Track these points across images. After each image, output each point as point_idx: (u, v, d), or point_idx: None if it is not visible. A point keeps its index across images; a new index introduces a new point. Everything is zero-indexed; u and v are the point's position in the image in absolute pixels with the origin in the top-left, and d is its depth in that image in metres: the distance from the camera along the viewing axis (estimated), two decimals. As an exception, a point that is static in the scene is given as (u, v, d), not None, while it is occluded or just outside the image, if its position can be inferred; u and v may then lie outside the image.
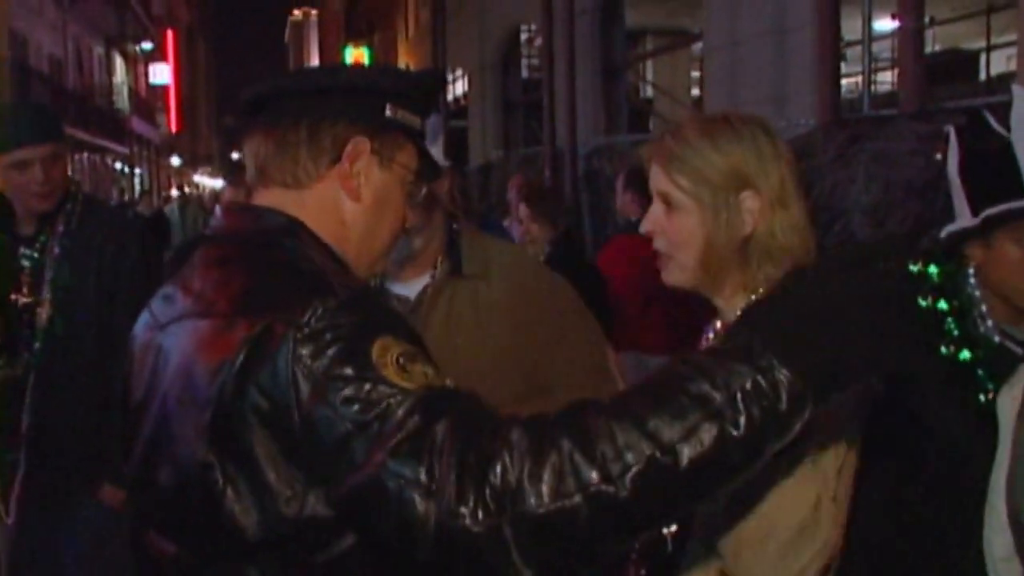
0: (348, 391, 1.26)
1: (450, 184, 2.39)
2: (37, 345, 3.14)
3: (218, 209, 1.61)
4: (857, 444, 1.68)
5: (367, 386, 1.26)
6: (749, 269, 1.71)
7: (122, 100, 40.67)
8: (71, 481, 3.15)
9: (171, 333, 1.47)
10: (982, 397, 1.76)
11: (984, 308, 1.80)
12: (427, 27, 21.29)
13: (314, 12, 56.39)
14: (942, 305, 1.81)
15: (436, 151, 2.26)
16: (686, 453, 1.15)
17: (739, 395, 1.16)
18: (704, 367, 1.20)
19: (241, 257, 1.49)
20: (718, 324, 1.83)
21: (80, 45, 34.69)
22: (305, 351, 1.29)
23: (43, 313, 3.14)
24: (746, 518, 1.60)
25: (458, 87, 21.49)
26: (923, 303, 1.80)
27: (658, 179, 1.76)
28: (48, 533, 3.16)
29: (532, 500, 1.15)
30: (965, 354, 1.79)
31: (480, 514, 1.16)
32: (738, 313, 1.71)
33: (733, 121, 1.74)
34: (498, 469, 1.17)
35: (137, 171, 42.69)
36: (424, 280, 2.40)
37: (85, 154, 29.22)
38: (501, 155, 16.83)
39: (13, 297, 3.14)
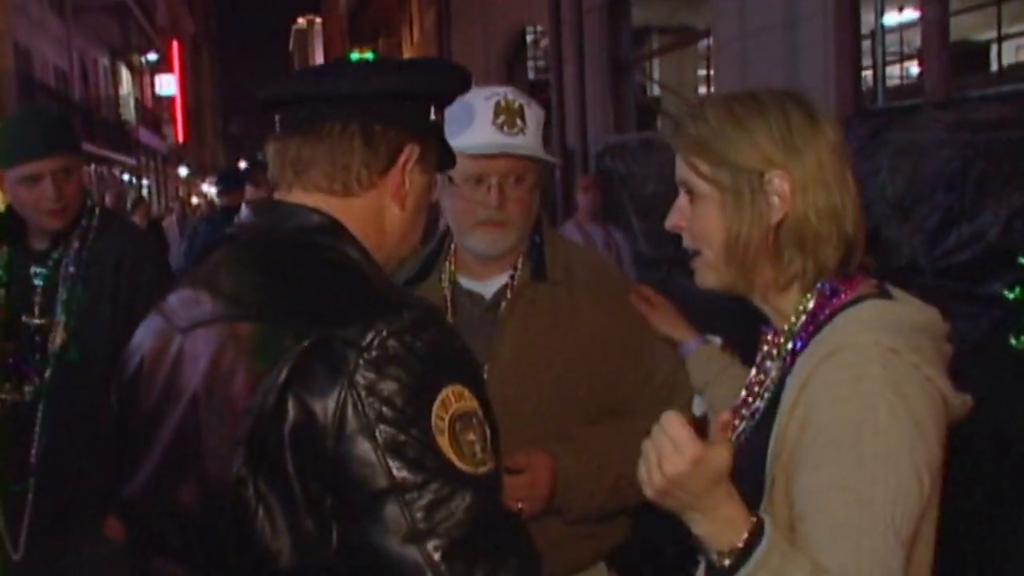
0: (397, 440, 1.20)
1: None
2: (48, 372, 2.92)
3: (244, 207, 1.51)
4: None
5: (418, 447, 1.21)
6: (781, 262, 1.55)
7: (128, 111, 40.71)
8: (79, 516, 2.91)
9: (198, 337, 1.37)
10: None
11: None
12: (432, 31, 21.22)
13: (318, 20, 56.33)
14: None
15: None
16: None
17: None
18: None
19: (280, 258, 1.40)
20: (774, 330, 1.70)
21: (85, 57, 34.71)
22: (363, 380, 1.21)
23: (56, 337, 2.92)
24: None
25: (463, 91, 21.38)
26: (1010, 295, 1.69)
27: (679, 167, 1.61)
28: (54, 570, 2.96)
29: None
30: None
31: None
32: (791, 317, 1.61)
33: (761, 96, 1.57)
34: None
35: (145, 182, 42.71)
36: (502, 280, 2.28)
37: (92, 166, 29.18)
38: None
39: (23, 319, 2.93)
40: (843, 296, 1.56)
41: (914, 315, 1.52)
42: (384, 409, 1.20)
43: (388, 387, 1.21)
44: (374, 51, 33.29)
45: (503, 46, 17.74)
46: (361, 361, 1.22)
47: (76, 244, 2.99)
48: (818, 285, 1.56)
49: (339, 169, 1.44)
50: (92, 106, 33.28)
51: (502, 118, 2.17)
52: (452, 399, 1.24)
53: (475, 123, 2.15)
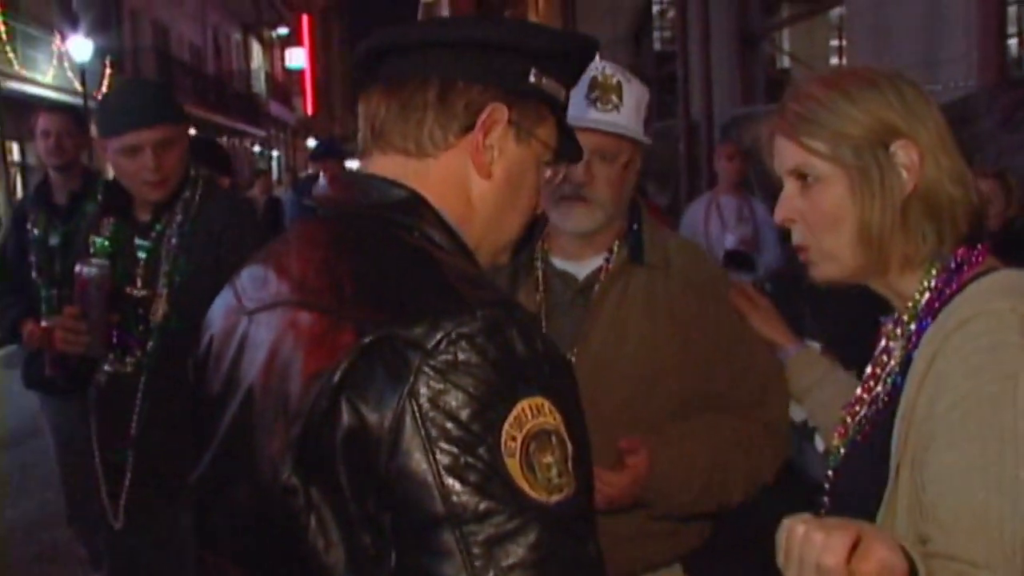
0: (459, 461, 1.05)
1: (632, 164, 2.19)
2: (151, 344, 2.89)
3: (322, 178, 1.38)
4: None
5: (483, 470, 1.06)
6: (913, 238, 1.43)
7: (259, 85, 41.75)
8: (175, 488, 2.83)
9: (261, 322, 1.25)
10: None
11: None
12: (558, 2, 21.05)
13: (445, -8, 56.72)
14: None
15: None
16: None
17: None
18: None
19: (354, 237, 1.27)
20: (896, 317, 1.55)
21: (219, 33, 35.67)
22: (426, 389, 1.06)
23: (158, 308, 2.88)
24: None
25: (589, 63, 21.19)
26: None
27: (786, 153, 1.49)
28: (150, 544, 2.97)
29: None
30: None
31: None
32: (915, 295, 1.47)
33: (862, 72, 1.47)
34: None
35: (275, 153, 43.79)
36: (597, 262, 2.20)
37: (225, 138, 29.95)
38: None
39: (127, 290, 2.90)
40: (974, 265, 1.44)
41: None
42: (448, 424, 1.06)
43: (454, 399, 1.07)
44: (499, 24, 33.26)
45: (629, 18, 17.50)
46: (425, 367, 1.07)
47: (179, 216, 2.96)
48: (949, 258, 1.45)
49: (412, 126, 1.30)
50: (225, 80, 34.19)
51: (596, 93, 2.10)
52: (528, 414, 1.09)
53: (576, 97, 2.03)
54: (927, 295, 1.47)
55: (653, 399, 2.10)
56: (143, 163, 2.84)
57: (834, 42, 17.52)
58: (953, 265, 1.45)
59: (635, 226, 2.22)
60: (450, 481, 1.05)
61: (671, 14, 14.58)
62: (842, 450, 1.58)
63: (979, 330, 1.32)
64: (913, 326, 1.48)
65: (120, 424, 2.91)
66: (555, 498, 1.08)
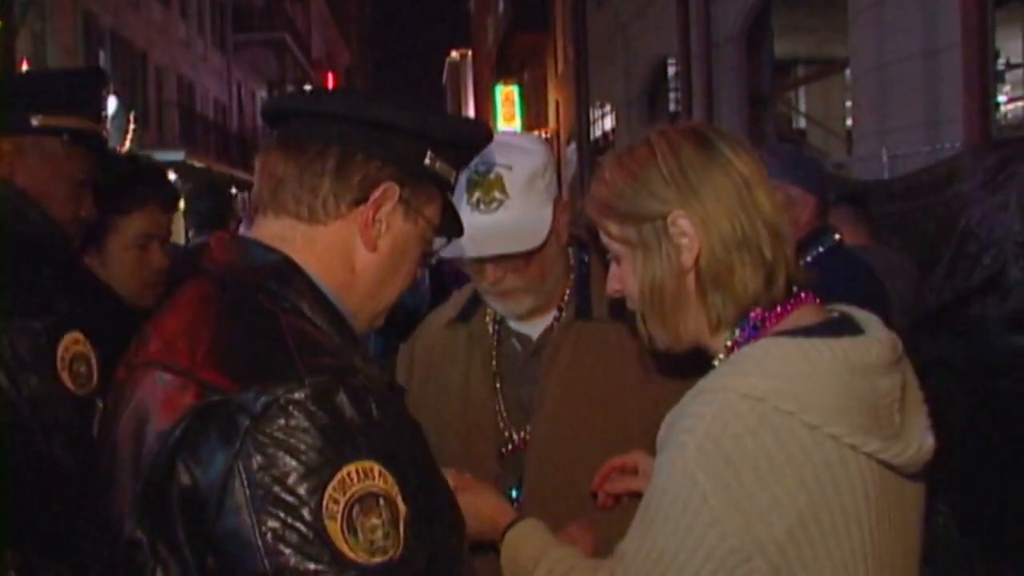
0: (283, 523, 1.09)
1: (566, 220, 2.12)
2: None
3: (212, 240, 1.43)
4: None
5: (304, 532, 1.09)
6: (707, 303, 1.48)
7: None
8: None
9: (135, 378, 1.30)
10: None
11: None
12: (572, 63, 21.31)
13: (469, 52, 57.38)
14: None
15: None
16: None
17: None
18: None
19: (219, 301, 1.31)
20: None
21: (243, 90, 36.16)
22: (253, 452, 1.11)
23: None
24: None
25: (606, 122, 21.36)
26: None
27: (601, 235, 1.57)
28: None
29: None
30: None
31: None
32: (719, 357, 1.51)
33: (652, 139, 1.50)
34: None
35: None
36: (547, 320, 2.15)
37: (246, 193, 30.29)
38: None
39: None
40: (767, 327, 1.46)
41: (835, 354, 1.38)
42: (273, 487, 1.10)
43: (280, 462, 1.11)
44: (519, 84, 33.61)
45: (644, 78, 17.65)
46: (254, 431, 1.12)
47: None
48: (744, 320, 1.47)
49: (306, 191, 1.36)
50: (248, 136, 34.60)
51: (476, 195, 1.98)
52: (354, 478, 1.12)
53: (458, 202, 1.95)
54: (729, 354, 1.50)
55: (618, 452, 2.00)
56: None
57: (849, 103, 17.58)
58: (747, 327, 1.47)
59: (584, 275, 2.16)
60: (272, 542, 1.09)
61: (684, 74, 14.71)
62: None
63: (693, 411, 1.40)
64: None
65: None
66: (376, 560, 1.12)
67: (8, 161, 2.17)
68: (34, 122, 2.18)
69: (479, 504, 1.78)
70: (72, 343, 2.00)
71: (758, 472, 1.31)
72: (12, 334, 1.93)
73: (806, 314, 1.48)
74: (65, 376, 1.97)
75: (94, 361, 2.01)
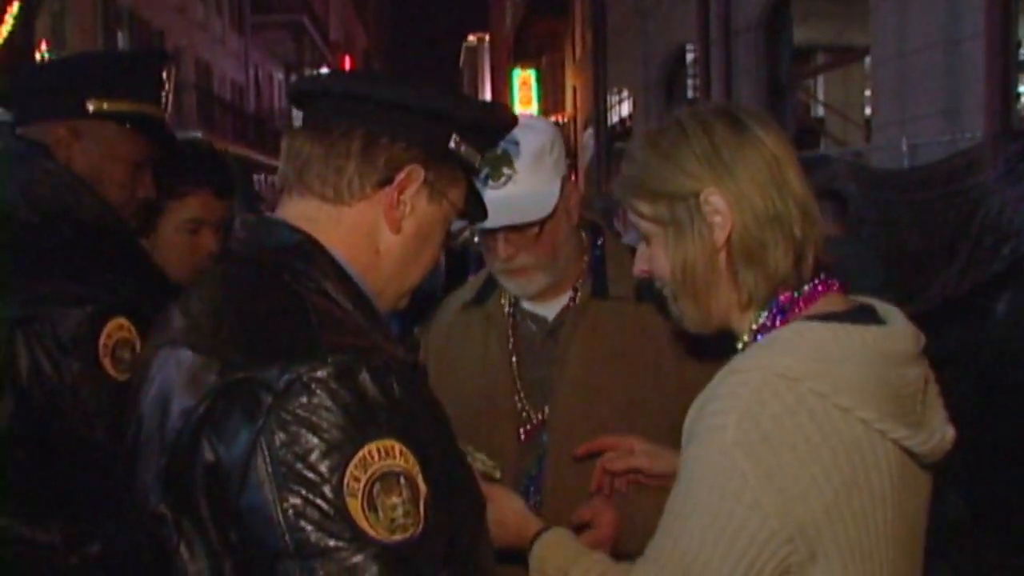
0: (304, 500, 1.10)
1: (577, 199, 2.15)
2: None
3: (237, 221, 1.44)
4: None
5: (325, 509, 1.11)
6: (738, 282, 1.48)
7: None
8: None
9: (160, 357, 1.31)
10: None
11: None
12: (591, 49, 21.23)
13: (487, 37, 57.17)
14: None
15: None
16: None
17: None
18: None
19: (245, 280, 1.33)
20: None
21: (260, 72, 36.18)
22: (276, 430, 1.12)
23: None
24: None
25: (623, 108, 21.29)
26: None
27: (630, 215, 1.57)
28: None
29: None
30: None
31: None
32: (744, 338, 1.52)
33: (683, 120, 1.51)
34: None
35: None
36: (563, 300, 2.17)
37: (263, 175, 30.35)
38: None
39: None
40: (796, 311, 1.47)
41: (865, 341, 1.39)
42: (295, 464, 1.11)
43: (302, 439, 1.12)
44: (537, 68, 33.52)
45: (663, 64, 17.58)
46: (277, 408, 1.13)
47: None
48: (773, 302, 1.48)
49: (332, 171, 1.37)
50: (265, 117, 34.64)
51: (485, 170, 2.00)
52: (375, 457, 1.13)
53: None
54: (753, 337, 1.51)
55: (636, 431, 2.02)
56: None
57: (868, 91, 17.47)
58: (775, 309, 1.48)
59: (599, 255, 2.18)
60: (294, 518, 1.10)
61: (703, 61, 14.64)
62: None
63: (725, 391, 1.39)
64: None
65: None
66: (397, 537, 1.13)
67: (65, 145, 2.15)
68: (90, 107, 2.16)
69: (505, 514, 1.79)
70: (116, 329, 1.99)
71: (796, 452, 1.31)
72: (55, 320, 1.94)
73: (833, 301, 1.49)
74: (107, 362, 1.97)
75: (139, 346, 2.01)
